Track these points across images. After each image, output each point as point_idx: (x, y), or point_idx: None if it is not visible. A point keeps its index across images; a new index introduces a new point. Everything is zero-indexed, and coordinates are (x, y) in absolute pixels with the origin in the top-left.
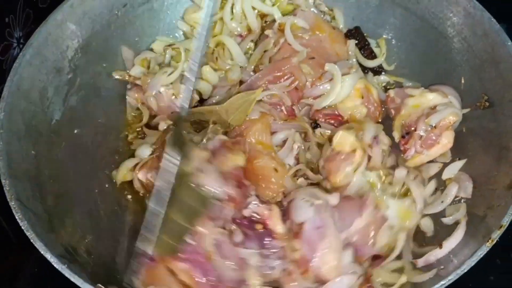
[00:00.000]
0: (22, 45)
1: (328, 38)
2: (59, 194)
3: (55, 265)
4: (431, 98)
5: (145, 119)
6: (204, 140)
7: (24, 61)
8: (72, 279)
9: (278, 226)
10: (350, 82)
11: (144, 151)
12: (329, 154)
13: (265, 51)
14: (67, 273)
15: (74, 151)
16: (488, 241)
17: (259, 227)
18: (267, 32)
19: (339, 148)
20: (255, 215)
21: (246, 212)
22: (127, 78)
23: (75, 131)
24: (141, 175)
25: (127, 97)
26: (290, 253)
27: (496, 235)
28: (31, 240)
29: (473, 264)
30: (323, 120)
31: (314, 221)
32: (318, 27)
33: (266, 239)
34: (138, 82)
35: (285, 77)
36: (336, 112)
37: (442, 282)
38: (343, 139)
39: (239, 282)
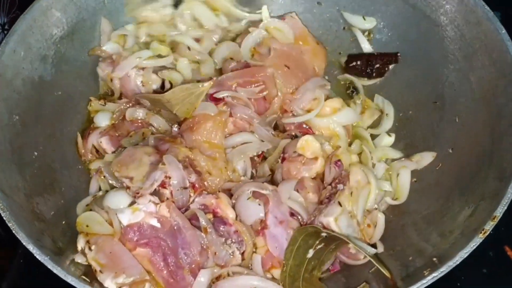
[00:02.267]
0: (7, 31)
1: (310, 51)
2: (43, 184)
3: (37, 256)
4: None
5: (116, 94)
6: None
7: (8, 48)
8: (55, 271)
9: (228, 211)
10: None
11: (103, 119)
12: (291, 154)
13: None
14: (49, 264)
15: (59, 141)
16: (481, 232)
17: (209, 216)
18: (251, 29)
19: (301, 152)
20: (202, 207)
21: (193, 205)
22: (99, 53)
23: (60, 119)
24: (93, 137)
25: (97, 69)
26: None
27: (489, 226)
28: (13, 231)
29: (465, 256)
30: (293, 133)
31: (275, 216)
32: (304, 38)
33: (220, 227)
34: (113, 56)
35: (256, 84)
36: (307, 126)
37: (434, 274)
38: (308, 144)
39: (198, 268)
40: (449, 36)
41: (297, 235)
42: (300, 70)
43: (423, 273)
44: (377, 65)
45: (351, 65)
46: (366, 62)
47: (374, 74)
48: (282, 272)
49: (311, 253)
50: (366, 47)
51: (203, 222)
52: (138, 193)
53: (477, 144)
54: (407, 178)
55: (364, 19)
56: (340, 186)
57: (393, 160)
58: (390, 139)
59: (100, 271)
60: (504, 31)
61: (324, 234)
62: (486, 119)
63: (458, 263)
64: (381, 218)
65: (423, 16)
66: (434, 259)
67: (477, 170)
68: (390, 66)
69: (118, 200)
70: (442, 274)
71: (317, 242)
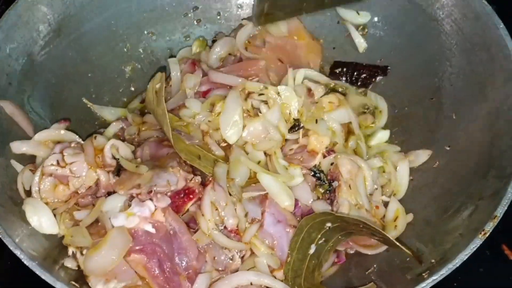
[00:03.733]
0: None
1: (305, 46)
2: None
3: (25, 262)
4: None
5: None
6: None
7: None
8: (43, 277)
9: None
10: None
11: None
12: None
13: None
14: (38, 270)
15: None
16: (481, 233)
17: None
18: (244, 22)
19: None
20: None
21: (192, 207)
22: None
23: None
24: None
25: None
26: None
27: (489, 227)
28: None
29: (465, 258)
30: None
31: (272, 216)
32: (298, 33)
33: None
34: None
35: (250, 78)
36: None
37: (434, 277)
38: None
39: (195, 273)
40: (446, 30)
41: (303, 224)
42: (294, 65)
43: (422, 276)
44: (364, 75)
45: (335, 70)
46: (352, 70)
47: (358, 83)
48: (286, 263)
49: (313, 249)
50: (360, 42)
51: None
52: (151, 191)
53: (476, 142)
54: (406, 170)
55: (358, 13)
56: (335, 183)
57: None
58: (385, 133)
59: None
60: (502, 25)
61: (328, 225)
62: (484, 115)
63: (458, 265)
64: None
65: (419, 10)
66: (433, 260)
67: (475, 168)
68: (378, 78)
69: (113, 203)
70: (442, 277)
71: (319, 236)
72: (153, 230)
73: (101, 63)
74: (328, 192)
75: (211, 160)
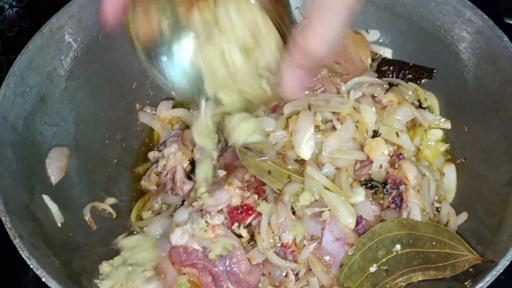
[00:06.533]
0: None
1: (352, 42)
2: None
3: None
4: None
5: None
6: None
7: (8, 91)
8: None
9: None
10: None
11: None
12: None
13: None
14: None
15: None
16: None
17: None
18: None
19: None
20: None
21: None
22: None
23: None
24: None
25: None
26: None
27: None
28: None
29: (507, 264)
30: None
31: (332, 234)
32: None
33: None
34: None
35: (315, 88)
36: None
37: (480, 285)
38: (378, 145)
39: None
40: (450, 48)
41: (377, 231)
42: (349, 63)
43: (465, 285)
44: (410, 76)
45: (382, 68)
46: (399, 69)
47: None
48: (345, 256)
49: (373, 268)
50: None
51: None
52: (201, 210)
53: (491, 152)
54: (453, 174)
55: (367, 31)
56: (402, 187)
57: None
58: (439, 132)
59: None
60: (506, 38)
61: (396, 249)
62: (497, 125)
63: (501, 271)
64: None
65: (419, 30)
66: (471, 269)
67: (495, 179)
68: (422, 80)
69: (181, 213)
70: (487, 284)
71: (384, 260)
72: (200, 248)
73: (111, 102)
74: (385, 194)
75: (284, 175)
